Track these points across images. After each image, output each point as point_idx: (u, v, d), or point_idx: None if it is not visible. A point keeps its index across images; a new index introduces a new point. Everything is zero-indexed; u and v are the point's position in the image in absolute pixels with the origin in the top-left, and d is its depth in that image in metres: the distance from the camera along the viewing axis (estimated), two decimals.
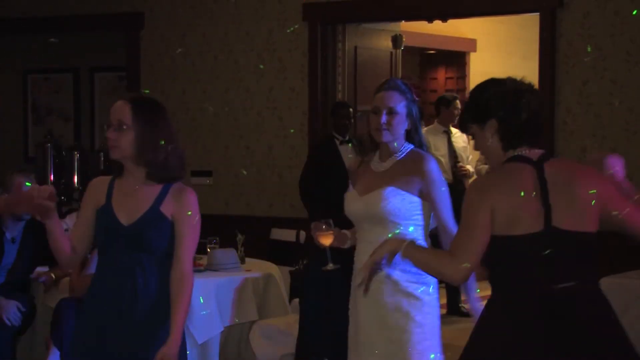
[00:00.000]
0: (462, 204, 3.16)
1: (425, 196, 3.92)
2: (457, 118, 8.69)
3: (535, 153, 3.18)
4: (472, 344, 3.18)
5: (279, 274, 6.39)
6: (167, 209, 3.55)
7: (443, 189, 3.93)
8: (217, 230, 6.66)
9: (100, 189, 3.62)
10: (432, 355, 3.87)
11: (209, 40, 8.64)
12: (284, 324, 5.98)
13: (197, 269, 6.18)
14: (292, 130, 8.32)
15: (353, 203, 4.02)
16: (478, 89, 3.30)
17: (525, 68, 10.02)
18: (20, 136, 10.13)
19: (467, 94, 11.04)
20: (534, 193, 3.09)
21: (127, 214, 3.54)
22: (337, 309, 4.98)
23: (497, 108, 3.19)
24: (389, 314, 3.89)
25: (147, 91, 8.57)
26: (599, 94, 7.14)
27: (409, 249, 3.18)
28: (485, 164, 8.40)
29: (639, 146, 7.02)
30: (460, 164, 8.44)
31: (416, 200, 3.91)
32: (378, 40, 8.83)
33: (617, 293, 5.74)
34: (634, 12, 7.01)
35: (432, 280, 3.92)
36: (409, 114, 3.97)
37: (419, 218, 3.94)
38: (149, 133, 3.53)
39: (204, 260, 6.33)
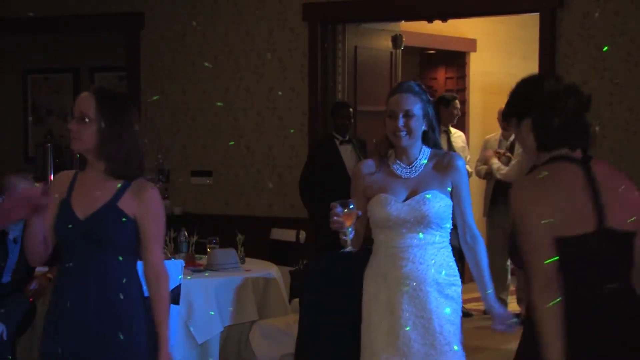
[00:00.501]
0: (516, 216, 3.03)
1: (454, 193, 3.98)
2: (456, 118, 8.70)
3: (577, 154, 3.14)
4: (526, 345, 3.09)
5: (279, 274, 6.39)
6: (126, 205, 3.48)
7: (468, 183, 4.04)
8: (217, 230, 6.67)
9: (64, 182, 3.59)
10: (456, 347, 3.92)
11: (209, 40, 8.64)
12: (284, 324, 5.98)
13: (197, 269, 6.18)
14: (292, 130, 8.32)
15: (395, 208, 3.95)
16: (525, 83, 3.23)
17: (525, 68, 10.01)
18: (20, 136, 10.14)
19: (467, 94, 11.09)
20: (585, 193, 3.03)
21: (84, 207, 3.50)
22: (337, 309, 4.98)
23: (533, 108, 3.14)
24: (433, 319, 3.92)
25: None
26: (599, 94, 7.14)
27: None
28: (485, 164, 8.40)
29: (639, 146, 7.02)
30: None
31: (451, 202, 3.97)
32: (378, 40, 8.83)
33: None
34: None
35: (459, 281, 4.04)
36: (425, 115, 3.96)
37: (451, 220, 4.01)
38: (111, 127, 3.47)
39: (204, 260, 6.34)
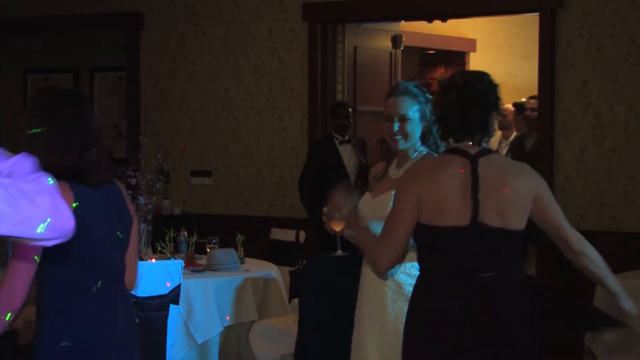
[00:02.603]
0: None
1: None
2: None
3: (473, 147, 3.28)
4: (406, 323, 3.37)
5: (278, 274, 6.39)
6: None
7: None
8: (217, 230, 6.66)
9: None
10: None
11: (209, 40, 8.64)
12: (284, 324, 5.98)
13: (197, 269, 6.18)
14: (290, 132, 8.32)
15: (364, 205, 3.99)
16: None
17: (525, 68, 10.05)
18: (20, 136, 10.12)
19: None
20: (464, 187, 3.20)
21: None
22: (336, 309, 4.99)
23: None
24: (390, 319, 3.88)
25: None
26: (599, 94, 7.14)
27: (360, 226, 3.42)
28: None
29: (639, 146, 7.02)
30: None
31: None
32: (378, 40, 8.83)
33: None
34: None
35: None
36: (423, 117, 3.93)
37: None
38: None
39: (203, 260, 6.34)
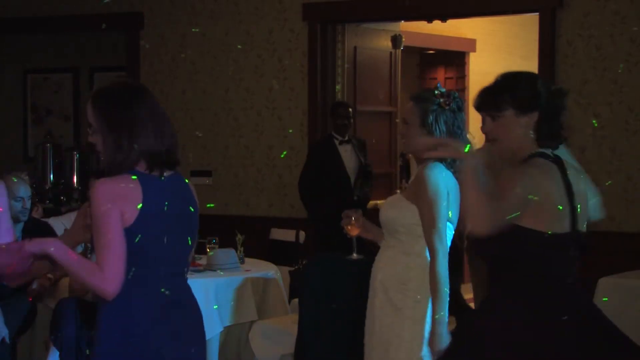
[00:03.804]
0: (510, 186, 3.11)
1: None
2: None
3: (548, 151, 3.22)
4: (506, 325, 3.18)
5: (278, 274, 6.39)
6: None
7: (427, 192, 3.83)
8: (217, 230, 6.66)
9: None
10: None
11: (209, 40, 8.64)
12: (284, 324, 5.98)
13: (197, 269, 6.18)
14: (290, 131, 8.32)
15: (381, 212, 4.07)
16: (527, 77, 3.29)
17: (525, 68, 9.98)
18: (20, 136, 10.13)
19: (467, 94, 11.09)
20: (564, 192, 3.15)
21: None
22: (336, 309, 4.99)
23: (543, 103, 3.19)
24: (377, 324, 3.94)
25: None
26: (599, 94, 7.14)
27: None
28: None
29: (639, 146, 7.02)
30: None
31: (414, 208, 3.90)
32: (378, 40, 8.83)
33: (616, 293, 5.74)
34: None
35: (420, 295, 3.88)
36: (424, 124, 3.90)
37: (418, 229, 3.92)
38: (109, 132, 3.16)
39: (203, 260, 6.34)
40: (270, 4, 8.37)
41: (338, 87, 8.37)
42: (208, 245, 6.39)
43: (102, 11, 9.04)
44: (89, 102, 3.20)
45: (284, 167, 8.37)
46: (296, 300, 6.15)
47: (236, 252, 6.39)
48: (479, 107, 3.31)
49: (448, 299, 3.76)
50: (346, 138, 7.71)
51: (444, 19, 9.25)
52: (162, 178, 3.17)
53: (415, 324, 3.85)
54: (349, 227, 4.02)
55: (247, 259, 6.56)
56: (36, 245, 3.09)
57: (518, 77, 3.28)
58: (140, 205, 3.07)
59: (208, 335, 5.83)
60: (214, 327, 5.84)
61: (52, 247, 3.07)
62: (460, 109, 3.97)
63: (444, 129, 3.89)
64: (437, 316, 3.72)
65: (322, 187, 7.51)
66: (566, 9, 7.24)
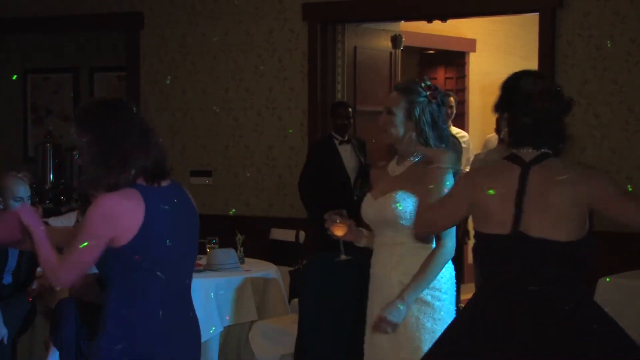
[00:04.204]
0: (448, 189, 3.33)
1: None
2: (452, 117, 8.62)
3: (531, 154, 3.20)
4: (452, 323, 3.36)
5: (278, 274, 6.39)
6: None
7: (439, 186, 3.72)
8: (217, 230, 6.66)
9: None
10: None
11: (209, 40, 8.64)
12: (284, 324, 5.98)
13: (197, 269, 6.18)
14: (290, 131, 8.32)
15: (368, 207, 3.97)
16: (513, 78, 3.31)
17: (524, 68, 10.00)
18: (20, 136, 10.14)
19: (466, 94, 11.07)
20: (511, 195, 3.15)
21: None
22: (336, 309, 4.98)
23: (511, 104, 3.23)
24: (404, 322, 3.82)
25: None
26: (599, 94, 7.14)
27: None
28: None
29: (639, 146, 7.02)
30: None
31: None
32: (378, 40, 8.83)
33: (617, 293, 5.74)
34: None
35: (446, 286, 3.87)
36: (409, 116, 3.87)
37: None
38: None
39: (203, 260, 6.34)
40: (270, 4, 8.37)
41: (338, 87, 8.37)
42: (208, 245, 6.39)
43: (102, 11, 9.04)
44: (73, 123, 3.21)
45: (284, 167, 8.37)
46: (296, 300, 6.15)
47: (236, 252, 6.39)
48: (493, 108, 3.36)
49: (425, 288, 3.78)
50: (346, 138, 7.71)
51: (444, 19, 9.24)
52: (160, 187, 3.17)
53: (438, 315, 3.86)
54: (334, 228, 3.97)
55: (247, 259, 6.57)
56: (22, 211, 3.22)
57: (507, 79, 3.32)
58: (142, 221, 3.07)
59: (208, 335, 5.85)
60: (213, 327, 5.84)
61: (29, 218, 3.19)
62: (444, 103, 3.97)
63: (430, 121, 3.86)
64: (408, 297, 3.73)
65: (322, 187, 7.51)
66: (566, 9, 7.24)
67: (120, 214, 3.06)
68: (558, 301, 3.12)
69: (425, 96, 3.89)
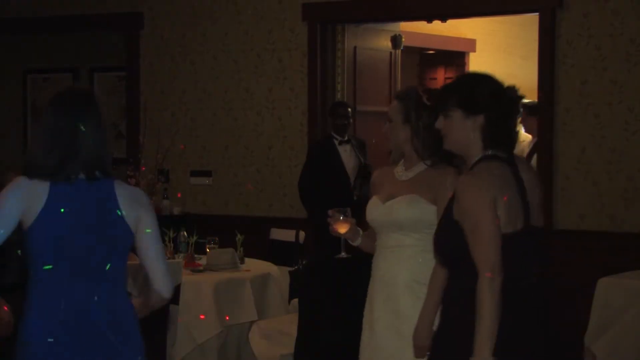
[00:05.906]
0: (464, 208, 3.17)
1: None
2: None
3: (501, 154, 3.28)
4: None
5: (278, 274, 6.40)
6: None
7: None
8: (217, 230, 6.67)
9: None
10: None
11: (209, 40, 8.64)
12: (284, 324, 5.99)
13: (197, 269, 6.18)
14: (290, 132, 8.32)
15: (375, 210, 4.01)
16: (476, 78, 3.35)
17: (524, 68, 10.04)
18: (20, 136, 10.14)
19: None
20: (516, 192, 3.21)
21: None
22: (335, 309, 4.99)
23: (490, 107, 3.24)
24: (406, 323, 3.83)
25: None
26: (599, 94, 7.13)
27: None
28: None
29: (639, 146, 7.02)
30: None
31: (434, 208, 3.86)
32: (377, 40, 8.83)
33: (616, 293, 5.74)
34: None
35: None
36: (406, 121, 3.94)
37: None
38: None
39: (203, 260, 6.34)
40: (269, 4, 8.37)
41: (338, 87, 8.37)
42: (208, 245, 6.40)
43: (102, 11, 9.05)
44: None
45: (284, 167, 8.36)
46: (296, 300, 6.16)
47: (236, 252, 6.40)
48: (435, 104, 3.43)
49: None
50: (346, 138, 7.71)
51: (444, 19, 9.24)
52: (71, 183, 3.17)
53: None
54: (338, 225, 4.00)
55: (247, 259, 6.57)
56: None
57: (470, 79, 3.37)
58: (40, 208, 3.12)
59: (208, 335, 5.86)
60: (213, 327, 5.84)
61: None
62: None
63: (427, 125, 3.88)
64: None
65: (321, 187, 7.51)
66: (566, 9, 7.24)
67: (29, 194, 3.16)
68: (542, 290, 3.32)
69: (422, 100, 3.95)
